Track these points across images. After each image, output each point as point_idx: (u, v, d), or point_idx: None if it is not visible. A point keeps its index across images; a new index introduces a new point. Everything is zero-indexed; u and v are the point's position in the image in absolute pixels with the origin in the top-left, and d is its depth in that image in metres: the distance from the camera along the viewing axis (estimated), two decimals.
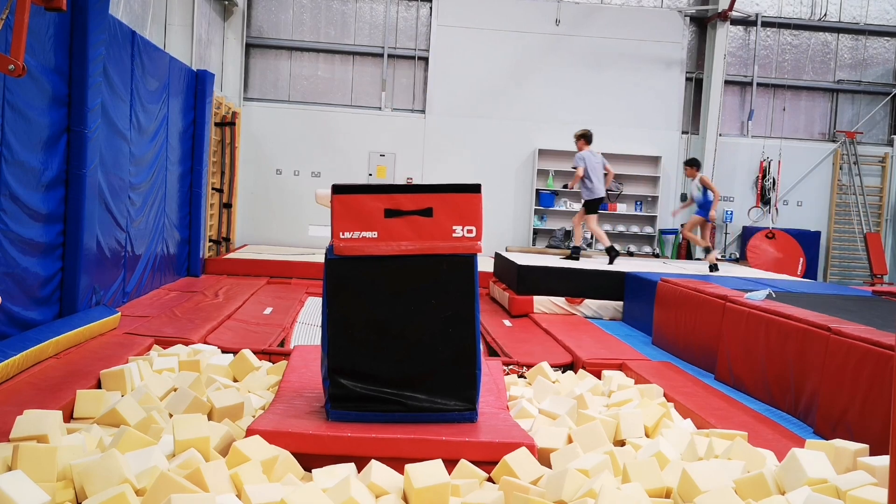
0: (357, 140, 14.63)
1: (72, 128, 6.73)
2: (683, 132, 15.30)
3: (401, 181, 14.41)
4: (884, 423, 4.17)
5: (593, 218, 10.92)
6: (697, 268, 10.90)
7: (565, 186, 10.86)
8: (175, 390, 5.03)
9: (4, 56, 4.26)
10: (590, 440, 4.28)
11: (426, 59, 14.86)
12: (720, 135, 15.08)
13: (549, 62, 14.86)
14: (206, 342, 6.65)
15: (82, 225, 6.82)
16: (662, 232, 15.12)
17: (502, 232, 14.62)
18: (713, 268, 10.36)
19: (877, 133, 15.77)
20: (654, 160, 14.99)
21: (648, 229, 15.22)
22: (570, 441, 4.35)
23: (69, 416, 4.64)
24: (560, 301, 9.39)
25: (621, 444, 4.54)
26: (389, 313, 4.34)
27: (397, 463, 3.78)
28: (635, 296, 8.99)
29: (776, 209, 15.33)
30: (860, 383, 4.60)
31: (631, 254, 14.71)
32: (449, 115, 14.73)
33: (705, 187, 10.72)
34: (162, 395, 4.99)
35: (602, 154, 14.66)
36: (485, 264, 9.98)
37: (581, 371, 6.39)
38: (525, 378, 6.23)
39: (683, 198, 15.38)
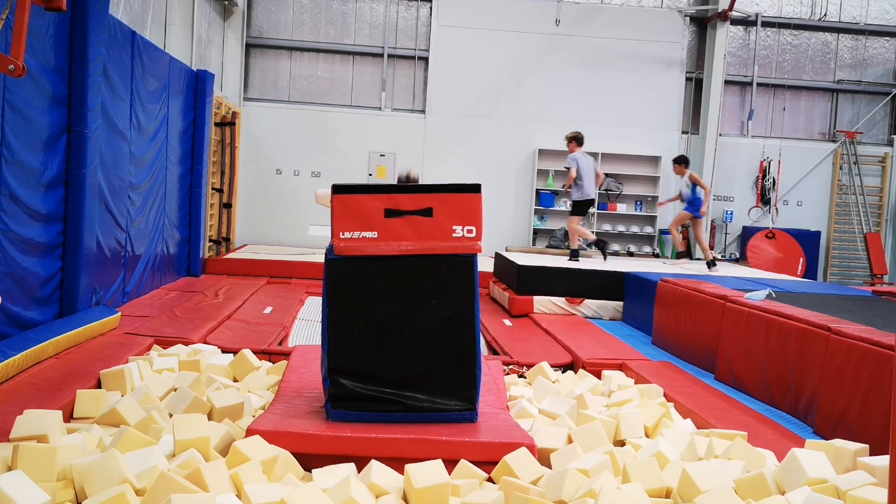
0: (357, 140, 14.63)
1: (72, 128, 6.73)
2: (683, 132, 15.30)
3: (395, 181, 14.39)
4: (884, 423, 4.17)
5: (577, 219, 10.94)
6: (698, 267, 10.90)
7: (563, 188, 10.86)
8: (175, 390, 5.03)
9: (4, 56, 4.26)
10: (590, 440, 4.28)
11: (426, 59, 14.86)
12: (720, 135, 15.08)
13: (548, 62, 14.86)
14: (206, 342, 6.65)
15: (82, 225, 6.82)
16: (662, 232, 15.12)
17: (502, 232, 14.62)
18: (679, 255, 10.43)
19: (877, 133, 15.77)
20: (654, 160, 14.99)
21: (648, 229, 15.22)
22: (570, 441, 4.35)
23: (69, 416, 4.64)
24: (560, 301, 9.39)
25: (621, 444, 4.54)
26: (389, 313, 4.34)
27: (397, 463, 3.78)
28: (635, 296, 8.99)
29: (776, 209, 15.33)
30: (860, 383, 4.60)
31: (631, 254, 14.72)
32: (449, 115, 14.73)
33: (694, 184, 10.74)
34: (162, 395, 4.99)
35: (602, 154, 14.78)
36: (485, 264, 9.99)
37: (581, 371, 6.39)
38: (525, 378, 6.23)
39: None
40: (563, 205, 14.94)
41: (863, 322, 5.34)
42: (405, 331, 4.34)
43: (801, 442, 4.48)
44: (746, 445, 4.02)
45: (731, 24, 14.96)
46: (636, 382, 5.94)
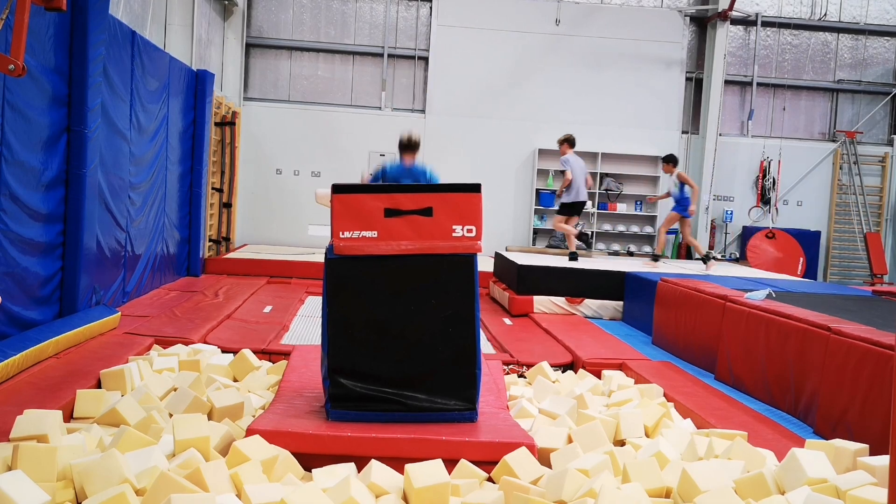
0: (357, 140, 14.62)
1: (72, 128, 6.73)
2: (683, 132, 15.30)
3: None
4: (884, 423, 4.17)
5: (562, 218, 10.97)
6: (699, 267, 10.90)
7: (558, 190, 10.86)
8: (175, 390, 5.03)
9: (4, 56, 4.26)
10: (590, 440, 4.28)
11: (426, 59, 14.86)
12: (720, 135, 15.08)
13: (549, 62, 14.86)
14: (206, 342, 6.65)
15: (82, 225, 6.82)
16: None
17: (502, 232, 14.62)
18: (655, 258, 10.43)
19: (877, 133, 15.77)
20: (654, 160, 14.98)
21: (648, 229, 15.22)
22: (570, 441, 4.35)
23: (69, 416, 4.64)
24: (560, 301, 9.39)
25: (621, 444, 4.54)
26: (389, 313, 4.34)
27: (397, 463, 3.78)
28: (635, 296, 8.99)
29: (776, 209, 15.33)
30: (860, 383, 4.60)
31: (631, 254, 14.71)
32: (449, 115, 14.72)
33: (682, 183, 10.72)
34: (162, 395, 4.99)
35: (602, 154, 14.78)
36: (485, 264, 9.98)
37: (581, 371, 6.39)
38: (525, 378, 6.23)
39: None
40: None
41: (863, 322, 5.34)
42: (405, 330, 4.34)
43: (801, 442, 4.48)
44: (746, 445, 4.02)
45: (731, 23, 14.96)
46: (636, 382, 5.94)
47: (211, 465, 3.51)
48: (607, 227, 15.13)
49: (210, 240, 12.44)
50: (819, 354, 5.07)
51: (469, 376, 4.34)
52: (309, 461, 3.91)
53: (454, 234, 4.34)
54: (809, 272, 14.83)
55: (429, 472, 3.53)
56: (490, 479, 3.89)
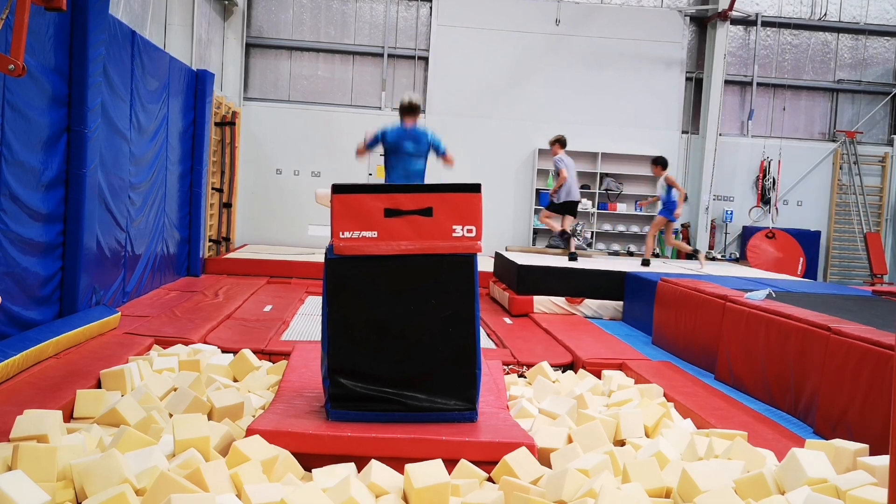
0: (357, 140, 14.58)
1: (72, 128, 6.73)
2: (683, 132, 15.30)
3: None
4: (884, 423, 4.17)
5: (549, 214, 11.07)
6: (696, 266, 10.90)
7: (553, 190, 10.90)
8: (175, 390, 5.03)
9: (4, 56, 4.26)
10: (590, 440, 4.28)
11: (426, 59, 14.86)
12: (720, 135, 15.08)
13: (549, 62, 14.86)
14: (205, 342, 6.65)
15: (82, 225, 6.82)
16: (662, 232, 15.11)
17: (502, 232, 14.62)
18: (645, 262, 10.38)
19: (877, 133, 15.77)
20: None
21: (648, 229, 15.20)
22: (570, 441, 4.35)
23: (69, 416, 4.64)
24: (560, 301, 9.39)
25: (621, 444, 4.54)
26: (389, 313, 4.34)
27: (397, 463, 3.78)
28: (635, 296, 8.99)
29: (776, 209, 15.33)
30: (860, 383, 4.60)
31: (631, 254, 14.71)
32: (449, 115, 14.72)
33: (670, 186, 10.65)
34: (162, 395, 4.99)
35: (602, 154, 14.78)
36: (485, 264, 9.99)
37: (581, 371, 6.39)
38: (525, 378, 6.23)
39: (684, 198, 15.36)
40: None
41: (863, 322, 5.34)
42: (405, 330, 4.34)
43: (801, 442, 4.48)
44: (746, 445, 4.02)
45: (731, 23, 14.96)
46: (636, 382, 5.94)
47: (211, 465, 3.51)
48: (607, 227, 15.13)
49: (210, 240, 12.44)
50: (819, 354, 5.07)
51: (469, 376, 4.34)
52: (309, 461, 3.91)
53: (454, 234, 4.34)
54: (809, 272, 14.83)
55: (429, 472, 3.53)
56: (490, 479, 3.89)
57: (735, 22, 15.15)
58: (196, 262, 11.06)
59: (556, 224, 11.23)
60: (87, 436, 3.99)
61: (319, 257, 11.50)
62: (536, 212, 14.92)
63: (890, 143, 15.66)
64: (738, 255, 15.28)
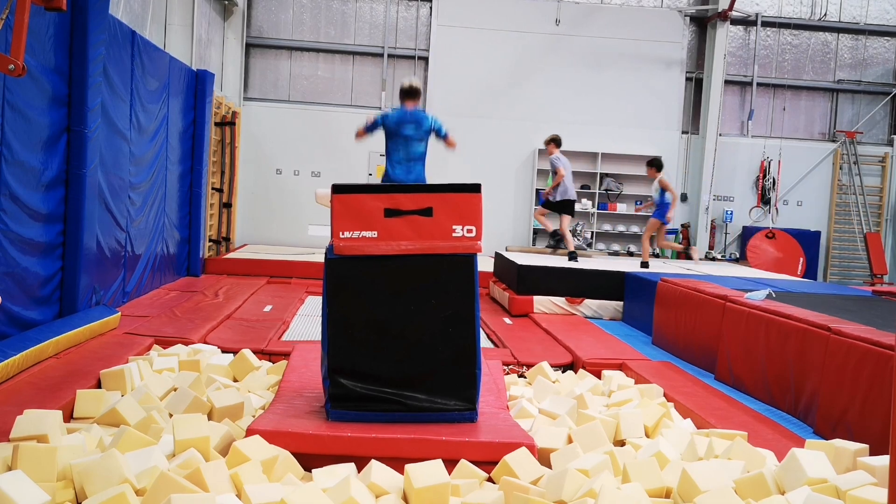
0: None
1: (72, 128, 6.73)
2: (683, 132, 15.30)
3: None
4: (884, 423, 4.17)
5: (543, 211, 11.16)
6: (697, 267, 10.90)
7: (550, 188, 10.94)
8: (175, 390, 5.03)
9: (4, 56, 4.26)
10: (590, 440, 4.28)
11: (426, 59, 14.86)
12: (720, 135, 15.08)
13: (549, 62, 14.86)
14: (205, 342, 6.65)
15: (82, 225, 6.82)
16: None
17: (502, 232, 14.62)
18: (644, 265, 10.33)
19: (877, 133, 15.77)
20: None
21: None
22: (570, 441, 4.35)
23: (69, 416, 4.64)
24: (560, 301, 9.39)
25: (621, 444, 4.54)
26: (389, 313, 4.34)
27: (397, 463, 3.78)
28: (635, 296, 8.99)
29: (776, 209, 15.33)
30: (860, 383, 4.60)
31: (631, 254, 14.71)
32: (449, 115, 14.65)
33: (663, 189, 10.59)
34: (162, 395, 4.99)
35: (602, 154, 14.78)
36: (485, 264, 9.99)
37: (581, 371, 6.39)
38: (525, 378, 6.23)
39: (684, 197, 15.39)
40: None
41: (863, 322, 5.34)
42: (405, 331, 4.34)
43: (801, 442, 4.48)
44: (746, 445, 4.02)
45: (731, 23, 14.96)
46: (636, 382, 5.94)
47: (211, 465, 3.51)
48: (607, 227, 15.13)
49: (210, 240, 12.44)
50: (819, 354, 5.07)
51: (469, 376, 4.34)
52: (309, 461, 3.91)
53: (454, 234, 4.34)
54: (809, 272, 14.83)
55: (429, 472, 3.53)
56: (490, 480, 3.89)
57: (735, 22, 15.15)
58: (196, 262, 11.06)
59: (549, 223, 11.35)
60: (87, 436, 3.99)
61: (319, 257, 11.50)
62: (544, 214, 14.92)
63: (890, 143, 15.66)
64: (738, 256, 15.28)
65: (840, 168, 15.47)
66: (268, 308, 8.62)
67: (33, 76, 5.99)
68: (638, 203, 15.02)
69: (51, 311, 6.60)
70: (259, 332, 7.18)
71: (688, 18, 15.13)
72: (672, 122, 15.13)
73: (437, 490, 3.46)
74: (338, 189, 4.36)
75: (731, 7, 14.34)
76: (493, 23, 14.73)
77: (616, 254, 14.45)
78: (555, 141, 10.96)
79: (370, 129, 7.09)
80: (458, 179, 4.79)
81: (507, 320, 8.93)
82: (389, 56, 14.85)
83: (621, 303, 9.37)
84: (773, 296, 6.70)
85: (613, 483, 3.63)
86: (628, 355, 6.87)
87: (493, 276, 11.01)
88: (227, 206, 13.16)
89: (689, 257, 11.04)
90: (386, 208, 4.31)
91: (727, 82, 15.17)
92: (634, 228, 15.22)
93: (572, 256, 10.74)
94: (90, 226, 6.97)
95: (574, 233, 14.42)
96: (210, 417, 4.51)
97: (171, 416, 4.46)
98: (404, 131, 6.82)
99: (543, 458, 4.12)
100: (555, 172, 10.76)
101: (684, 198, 15.44)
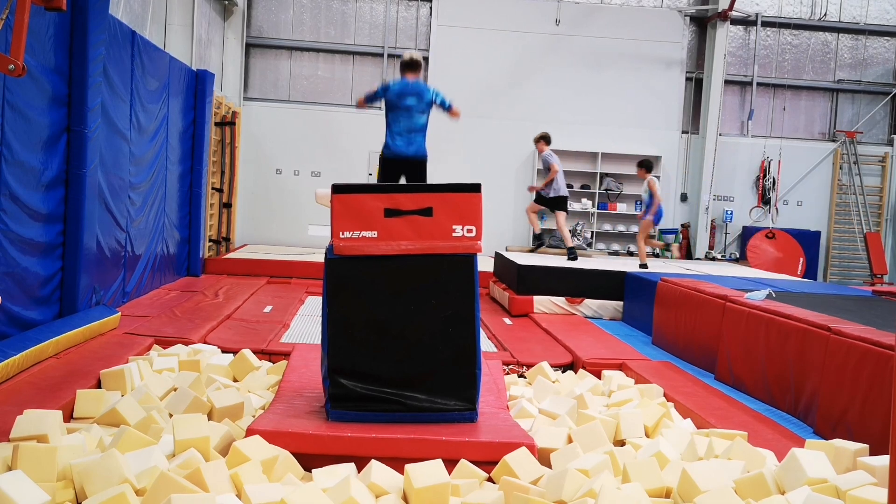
0: (357, 140, 14.61)
1: (72, 128, 6.73)
2: (683, 132, 15.30)
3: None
4: (884, 423, 4.17)
5: (536, 207, 11.28)
6: (697, 267, 10.90)
7: (543, 184, 10.99)
8: (175, 390, 5.03)
9: (4, 56, 4.26)
10: (590, 440, 4.28)
11: (426, 59, 14.84)
12: (720, 135, 15.08)
13: (549, 62, 14.86)
14: (206, 342, 6.65)
15: (82, 225, 6.82)
16: (662, 232, 15.12)
17: (502, 232, 14.62)
18: (643, 266, 10.34)
19: (877, 133, 15.77)
20: (655, 160, 14.97)
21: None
22: (570, 441, 4.35)
23: (69, 416, 4.64)
24: (560, 301, 9.39)
25: (621, 444, 4.54)
26: (389, 313, 4.34)
27: (397, 463, 3.78)
28: (635, 296, 8.99)
29: (776, 209, 15.33)
30: (860, 383, 4.60)
31: (631, 254, 14.71)
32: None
33: (651, 191, 10.55)
34: (162, 395, 4.99)
35: (602, 154, 14.79)
36: (485, 264, 9.98)
37: (581, 371, 6.39)
38: (525, 378, 6.23)
39: (683, 197, 15.39)
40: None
41: (863, 322, 5.34)
42: (405, 331, 4.34)
43: (801, 442, 4.48)
44: (746, 445, 4.02)
45: (731, 23, 14.96)
46: (636, 382, 5.94)
47: (211, 465, 3.51)
48: (607, 227, 15.13)
49: (210, 240, 12.44)
50: (819, 354, 5.07)
51: (469, 376, 4.34)
52: (309, 461, 3.91)
53: (454, 234, 4.34)
54: (809, 272, 14.83)
55: (429, 472, 3.53)
56: (490, 479, 3.89)
57: (735, 22, 15.15)
58: (196, 262, 11.06)
59: (537, 223, 11.47)
60: (87, 436, 3.99)
61: (319, 257, 11.50)
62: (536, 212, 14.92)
63: (890, 143, 15.66)
64: (738, 256, 15.28)
65: (840, 168, 15.48)
66: (268, 308, 8.62)
67: (33, 76, 5.99)
68: (638, 205, 15.01)
69: (51, 311, 6.60)
70: (259, 332, 7.18)
71: (688, 18, 15.13)
72: (672, 122, 15.13)
73: (437, 490, 3.46)
74: (338, 189, 4.36)
75: (731, 7, 14.34)
76: (493, 23, 14.73)
77: (616, 254, 14.45)
78: (544, 138, 11.01)
79: (371, 98, 7.09)
80: (458, 179, 4.79)
81: (507, 320, 8.93)
82: (389, 56, 14.84)
83: (621, 303, 9.37)
84: (773, 296, 6.70)
85: (613, 483, 3.63)
86: (628, 355, 6.88)
87: (493, 276, 11.01)
88: (227, 206, 13.16)
89: (667, 249, 11.14)
90: (386, 208, 4.31)
91: (727, 82, 15.17)
92: (634, 228, 15.19)
93: (571, 252, 10.73)
94: (90, 226, 6.97)
95: (574, 232, 14.43)
96: (210, 417, 4.51)
97: (171, 416, 4.46)
98: (405, 102, 6.82)
99: (543, 458, 4.12)
100: (548, 169, 10.79)
101: (684, 198, 15.44)
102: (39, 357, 5.50)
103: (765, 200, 15.36)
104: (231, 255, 12.49)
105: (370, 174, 14.68)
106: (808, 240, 15.12)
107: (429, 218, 4.32)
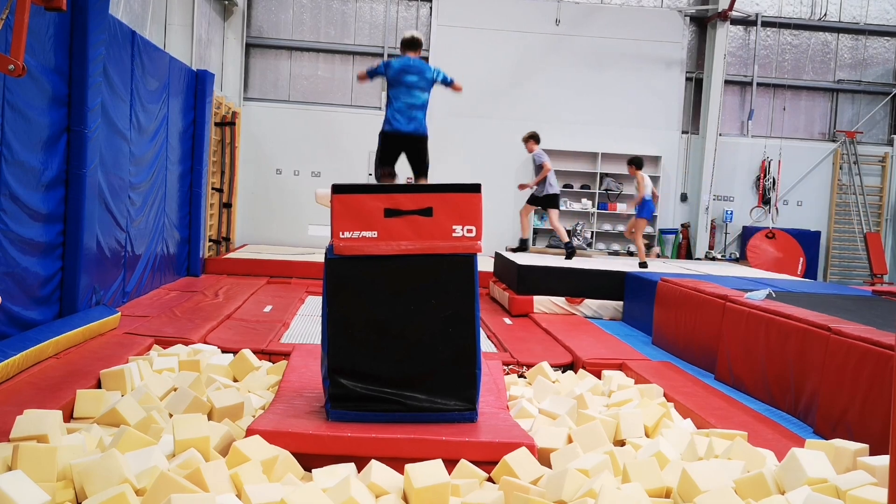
0: (357, 140, 14.60)
1: (72, 128, 6.73)
2: (683, 132, 15.30)
3: (401, 181, 14.37)
4: (884, 423, 4.17)
5: (530, 209, 11.33)
6: (697, 267, 10.90)
7: (534, 182, 11.02)
8: (175, 390, 5.03)
9: (4, 56, 4.26)
10: (590, 440, 4.28)
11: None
12: (720, 135, 15.08)
13: (549, 62, 14.86)
14: (205, 342, 6.65)
15: (82, 225, 6.82)
16: (662, 231, 15.12)
17: (502, 232, 14.61)
18: (642, 265, 10.38)
19: (877, 133, 15.77)
20: (655, 160, 14.99)
21: (648, 229, 15.19)
22: (570, 441, 4.35)
23: (69, 416, 4.64)
24: (560, 301, 9.39)
25: (621, 444, 4.54)
26: (389, 313, 4.34)
27: (397, 463, 3.78)
28: (635, 296, 8.99)
29: (776, 209, 15.33)
30: (860, 383, 4.60)
31: (631, 253, 14.71)
32: (449, 115, 14.70)
33: (638, 186, 10.69)
34: (162, 395, 4.99)
35: (602, 154, 14.79)
36: (485, 264, 9.99)
37: (581, 371, 6.39)
38: (525, 378, 6.23)
39: (684, 197, 15.39)
40: (564, 204, 14.91)
41: (863, 322, 5.34)
42: (405, 331, 4.34)
43: (801, 442, 4.48)
44: (746, 445, 4.02)
45: (731, 23, 14.96)
46: (636, 382, 5.94)
47: (211, 465, 3.51)
48: (607, 227, 15.13)
49: (210, 240, 12.44)
50: (819, 354, 5.07)
51: (469, 376, 4.34)
52: (309, 461, 3.91)
53: (454, 234, 4.34)
54: (809, 272, 14.83)
55: (429, 472, 3.53)
56: (490, 479, 3.89)
57: (735, 22, 15.15)
58: (196, 262, 11.06)
59: (528, 226, 11.51)
60: (87, 436, 3.99)
61: (319, 257, 11.50)
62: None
63: (890, 143, 15.66)
64: (738, 255, 15.28)
65: (840, 168, 15.47)
66: (268, 308, 8.62)
67: (33, 76, 5.99)
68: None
69: (51, 311, 6.60)
70: (259, 332, 7.18)
71: (688, 18, 15.13)
72: (672, 122, 15.13)
73: (437, 490, 3.46)
74: (338, 189, 4.37)
75: (731, 7, 14.34)
76: (494, 23, 14.73)
77: (616, 253, 14.45)
78: (533, 137, 11.02)
79: (372, 73, 7.09)
80: (458, 179, 4.79)
81: (507, 320, 8.93)
82: (390, 56, 14.83)
83: (621, 303, 9.37)
84: (773, 296, 6.70)
85: (613, 483, 3.63)
86: (628, 355, 6.88)
87: (493, 276, 11.01)
88: (227, 206, 13.16)
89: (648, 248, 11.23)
90: (386, 208, 4.31)
91: (727, 82, 15.17)
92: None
93: (569, 247, 10.73)
94: (90, 226, 6.97)
95: (574, 232, 14.43)
96: (210, 417, 4.51)
97: (171, 416, 4.46)
98: (406, 79, 6.82)
99: (543, 458, 4.12)
100: (540, 167, 10.81)
101: (684, 198, 15.44)
102: (39, 357, 5.50)
103: (765, 200, 15.36)
104: (231, 255, 12.50)
105: (370, 174, 14.67)
106: (808, 240, 15.12)
107: (429, 218, 4.32)
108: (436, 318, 4.34)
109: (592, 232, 15.00)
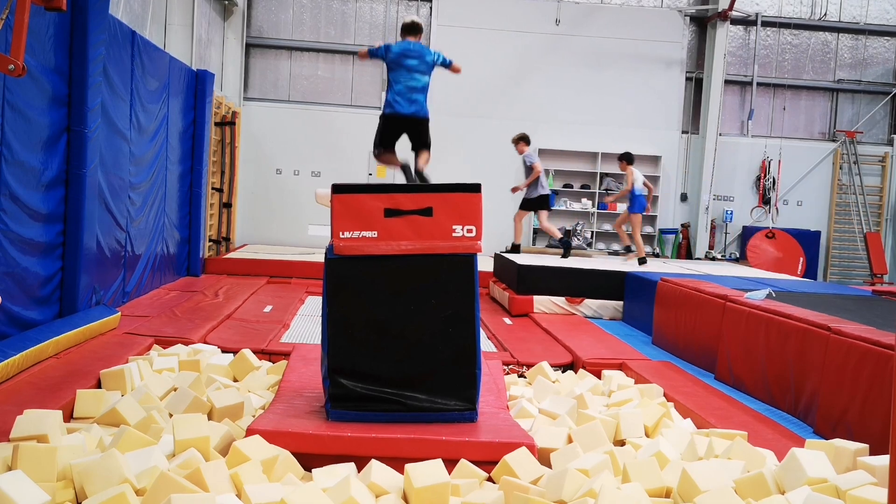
0: (357, 140, 14.59)
1: (72, 128, 6.73)
2: (683, 132, 15.30)
3: (401, 181, 14.37)
4: (884, 423, 4.17)
5: (524, 214, 11.43)
6: (699, 267, 10.90)
7: (525, 183, 11.06)
8: (175, 390, 5.03)
9: (4, 56, 4.26)
10: (590, 440, 4.28)
11: None
12: (720, 134, 15.08)
13: (549, 62, 14.85)
14: (206, 342, 6.65)
15: (82, 225, 6.82)
16: (662, 231, 15.12)
17: (502, 232, 14.58)
18: (642, 261, 10.43)
19: (877, 133, 15.77)
20: (654, 160, 14.99)
21: (648, 229, 15.21)
22: (570, 441, 4.35)
23: (69, 416, 4.64)
24: (560, 301, 9.39)
25: (621, 443, 4.55)
26: (389, 313, 4.34)
27: (397, 463, 3.78)
28: (635, 296, 8.99)
29: (776, 209, 15.33)
30: (860, 383, 4.60)
31: (624, 250, 14.71)
32: (449, 115, 14.69)
33: (626, 180, 10.78)
34: (162, 395, 4.99)
35: (602, 154, 14.79)
36: (485, 264, 9.98)
37: (581, 371, 6.39)
38: (525, 378, 6.23)
39: (684, 197, 15.39)
40: (564, 204, 14.94)
41: (863, 322, 5.34)
42: (405, 331, 4.34)
43: (801, 442, 4.48)
44: (746, 445, 4.02)
45: (731, 23, 14.96)
46: (636, 382, 5.94)
47: (211, 465, 3.51)
48: (607, 227, 15.12)
49: (210, 240, 12.44)
50: (819, 354, 5.07)
51: (469, 376, 4.34)
52: (309, 461, 3.91)
53: (454, 234, 4.34)
54: (809, 272, 14.83)
55: (429, 472, 3.53)
56: (490, 479, 3.89)
57: (735, 22, 15.15)
58: (196, 262, 11.06)
59: (521, 230, 11.56)
60: (87, 436, 3.99)
61: (319, 257, 11.49)
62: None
63: (890, 143, 15.66)
64: (738, 255, 15.28)
65: (840, 168, 15.47)
66: (268, 308, 8.62)
67: (33, 76, 5.99)
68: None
69: (51, 311, 6.60)
70: (259, 332, 7.18)
71: (688, 18, 15.13)
72: (672, 121, 15.13)
73: (437, 490, 3.46)
74: (338, 189, 4.37)
75: (731, 7, 14.34)
76: (493, 23, 14.72)
77: (616, 253, 14.42)
78: (524, 139, 11.09)
79: (373, 54, 7.10)
80: (458, 179, 4.79)
81: (507, 320, 8.93)
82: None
83: (621, 303, 9.37)
84: (773, 295, 6.70)
85: (613, 483, 3.63)
86: (628, 355, 6.88)
87: (493, 276, 11.02)
88: (227, 206, 13.16)
89: (628, 251, 11.24)
90: (386, 208, 4.31)
91: (727, 82, 15.17)
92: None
93: (565, 245, 10.74)
94: (90, 226, 6.97)
95: (574, 232, 14.43)
96: (210, 417, 4.51)
97: (171, 416, 4.46)
98: (407, 62, 6.82)
99: (543, 457, 4.12)
100: (530, 168, 10.84)
101: (684, 198, 15.44)
102: (39, 357, 5.50)
103: (765, 200, 15.36)
104: (231, 255, 12.50)
105: (370, 174, 14.68)
106: (808, 240, 15.12)
107: (429, 218, 4.32)
108: (436, 318, 4.34)
109: (592, 232, 15.00)
